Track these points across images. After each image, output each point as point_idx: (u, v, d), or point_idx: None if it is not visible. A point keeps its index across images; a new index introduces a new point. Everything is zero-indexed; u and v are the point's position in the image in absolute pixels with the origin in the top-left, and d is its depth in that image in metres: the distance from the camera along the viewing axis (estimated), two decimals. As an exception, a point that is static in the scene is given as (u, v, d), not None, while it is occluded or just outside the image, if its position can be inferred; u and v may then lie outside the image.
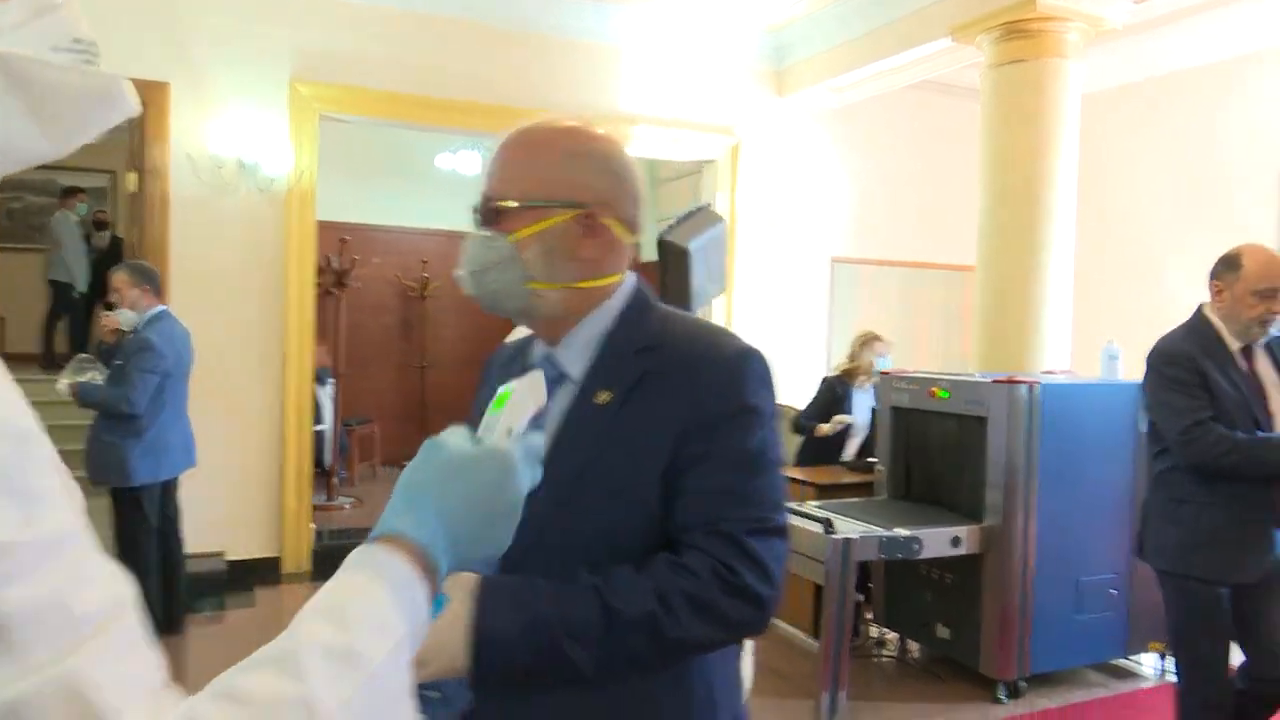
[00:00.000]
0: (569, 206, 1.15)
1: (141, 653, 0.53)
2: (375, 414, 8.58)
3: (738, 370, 1.14)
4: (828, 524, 3.62)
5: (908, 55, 5.81)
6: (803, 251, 7.03)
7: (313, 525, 5.75)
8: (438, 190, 8.67)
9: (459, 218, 1.48)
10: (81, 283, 8.62)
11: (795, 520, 3.85)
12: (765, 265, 6.86)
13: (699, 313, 4.45)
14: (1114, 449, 4.04)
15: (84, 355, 4.49)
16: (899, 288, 7.49)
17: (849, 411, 5.09)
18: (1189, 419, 2.65)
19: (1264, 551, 2.67)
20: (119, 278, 4.28)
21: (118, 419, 4.11)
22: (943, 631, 4.13)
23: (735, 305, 6.73)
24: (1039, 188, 4.85)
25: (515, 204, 1.15)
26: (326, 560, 5.49)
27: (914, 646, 4.49)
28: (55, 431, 0.60)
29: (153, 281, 4.34)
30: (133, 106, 0.65)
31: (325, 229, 5.96)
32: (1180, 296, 6.23)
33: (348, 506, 7.19)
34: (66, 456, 0.57)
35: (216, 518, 5.17)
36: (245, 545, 5.43)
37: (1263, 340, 2.77)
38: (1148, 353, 2.88)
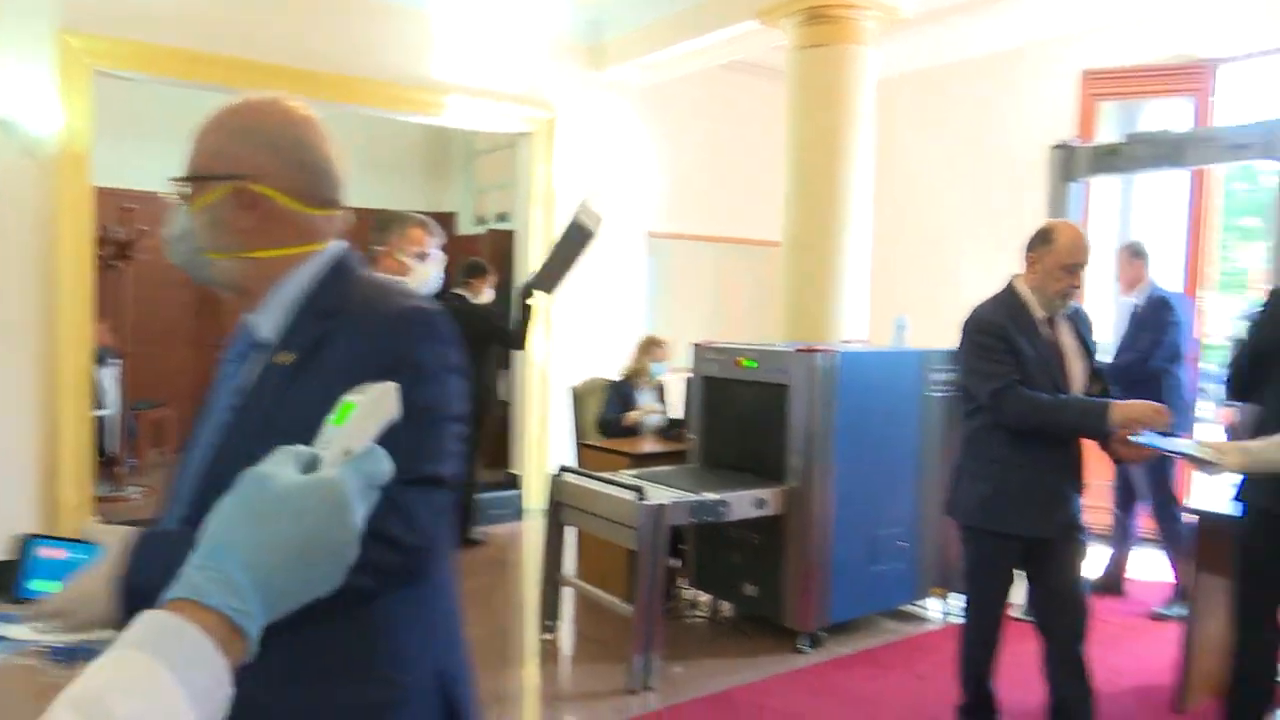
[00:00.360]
0: (227, 179, 1.20)
1: None
2: (169, 396, 8.01)
3: (401, 327, 1.18)
4: (640, 491, 3.69)
5: (717, 35, 5.97)
6: (620, 226, 7.11)
7: (97, 518, 5.33)
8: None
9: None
10: None
11: (609, 489, 3.92)
12: (582, 239, 6.89)
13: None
14: (903, 412, 4.33)
15: None
16: (713, 262, 7.71)
17: (631, 408, 5.30)
18: (997, 382, 2.85)
19: (1063, 508, 2.89)
20: None
21: None
22: (750, 590, 4.31)
23: (552, 279, 6.72)
24: (839, 168, 5.11)
25: (185, 177, 1.23)
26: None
27: (725, 606, 4.68)
28: None
29: None
30: None
31: (106, 196, 5.50)
32: (965, 271, 6.78)
33: (137, 496, 6.71)
34: None
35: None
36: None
37: (1065, 311, 2.96)
38: (963, 321, 3.04)
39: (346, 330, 1.17)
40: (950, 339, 4.75)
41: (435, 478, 1.15)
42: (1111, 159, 4.10)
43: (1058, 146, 4.29)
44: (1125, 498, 4.77)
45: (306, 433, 0.80)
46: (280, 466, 0.70)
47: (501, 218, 7.93)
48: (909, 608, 4.63)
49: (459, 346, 1.24)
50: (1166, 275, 5.51)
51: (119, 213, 6.51)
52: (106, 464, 6.55)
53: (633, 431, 5.21)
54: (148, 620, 0.61)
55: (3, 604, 1.11)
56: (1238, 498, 3.05)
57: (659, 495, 3.79)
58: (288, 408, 1.14)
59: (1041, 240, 2.92)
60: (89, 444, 5.24)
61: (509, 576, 5.45)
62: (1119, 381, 3.97)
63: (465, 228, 8.62)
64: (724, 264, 7.76)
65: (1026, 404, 2.81)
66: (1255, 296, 5.04)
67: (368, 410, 0.76)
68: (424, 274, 2.89)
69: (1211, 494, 3.56)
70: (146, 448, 7.63)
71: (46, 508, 5.05)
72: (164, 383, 8.02)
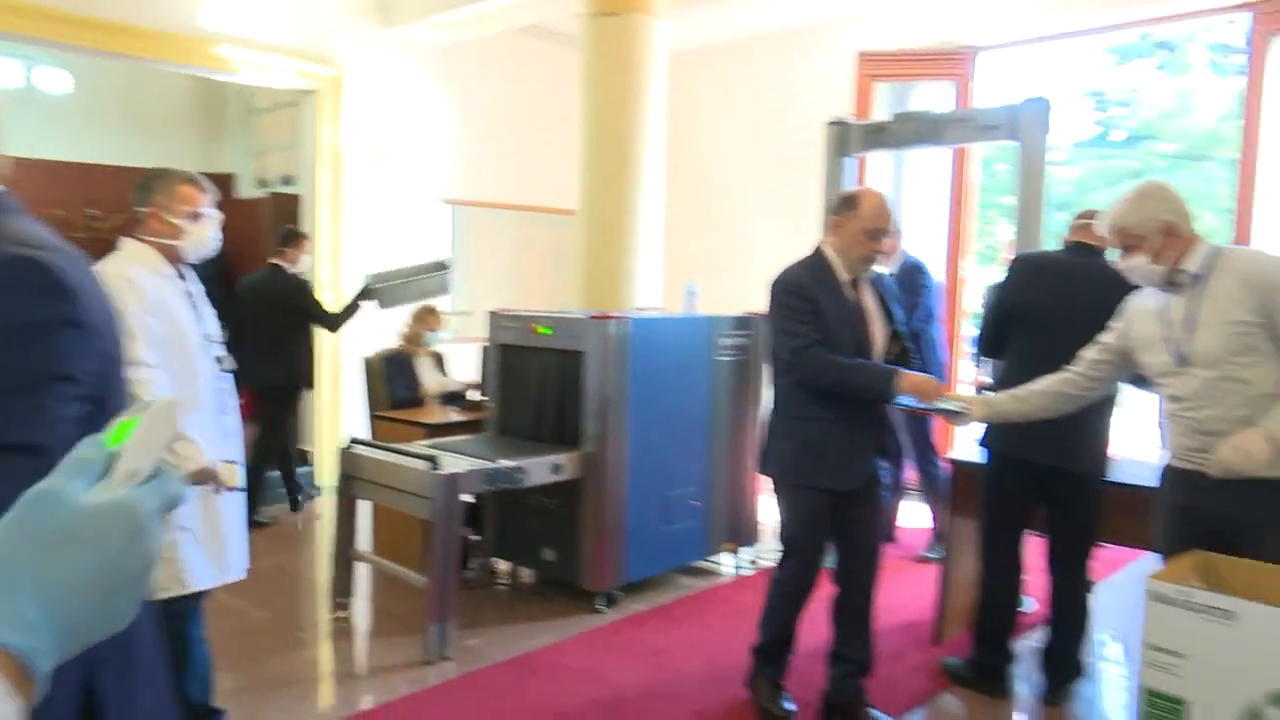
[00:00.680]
0: None
1: None
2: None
3: (2, 277, 1.04)
4: (433, 461, 3.64)
5: (509, -3, 5.89)
6: (415, 192, 6.92)
7: None
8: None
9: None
10: None
11: (401, 460, 3.84)
12: (377, 204, 6.66)
13: None
14: (694, 376, 4.49)
15: None
16: (514, 231, 7.65)
17: (416, 380, 5.19)
18: (799, 342, 2.96)
19: (864, 463, 3.01)
20: None
21: None
22: (549, 555, 4.36)
23: (345, 245, 6.48)
24: (632, 137, 5.19)
25: None
26: None
27: (526, 573, 4.71)
28: None
29: None
30: None
31: None
32: (753, 239, 7.08)
33: None
34: None
35: None
36: None
37: (869, 275, 3.08)
38: (770, 282, 3.11)
39: None
40: (739, 305, 5.00)
41: (25, 445, 1.00)
42: (881, 136, 4.39)
43: (833, 123, 4.54)
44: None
45: None
46: (66, 485, 0.63)
47: (286, 181, 7.52)
48: (702, 563, 4.83)
49: (78, 298, 1.07)
50: (932, 247, 5.97)
51: None
52: None
53: (420, 402, 5.14)
54: None
55: None
56: (982, 443, 3.38)
57: (453, 464, 3.76)
58: None
59: (846, 205, 3.01)
60: None
61: (300, 555, 5.24)
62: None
63: (245, 190, 8.11)
64: (525, 232, 7.72)
65: (823, 364, 2.92)
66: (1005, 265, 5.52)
67: (150, 427, 0.69)
68: (200, 236, 2.65)
69: (966, 446, 3.91)
70: None
71: None
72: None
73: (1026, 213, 3.92)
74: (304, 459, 6.54)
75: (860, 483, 3.01)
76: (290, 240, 5.56)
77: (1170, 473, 2.64)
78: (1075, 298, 3.18)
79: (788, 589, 3.10)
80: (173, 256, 2.63)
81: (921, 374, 2.91)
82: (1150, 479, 2.81)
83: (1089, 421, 3.07)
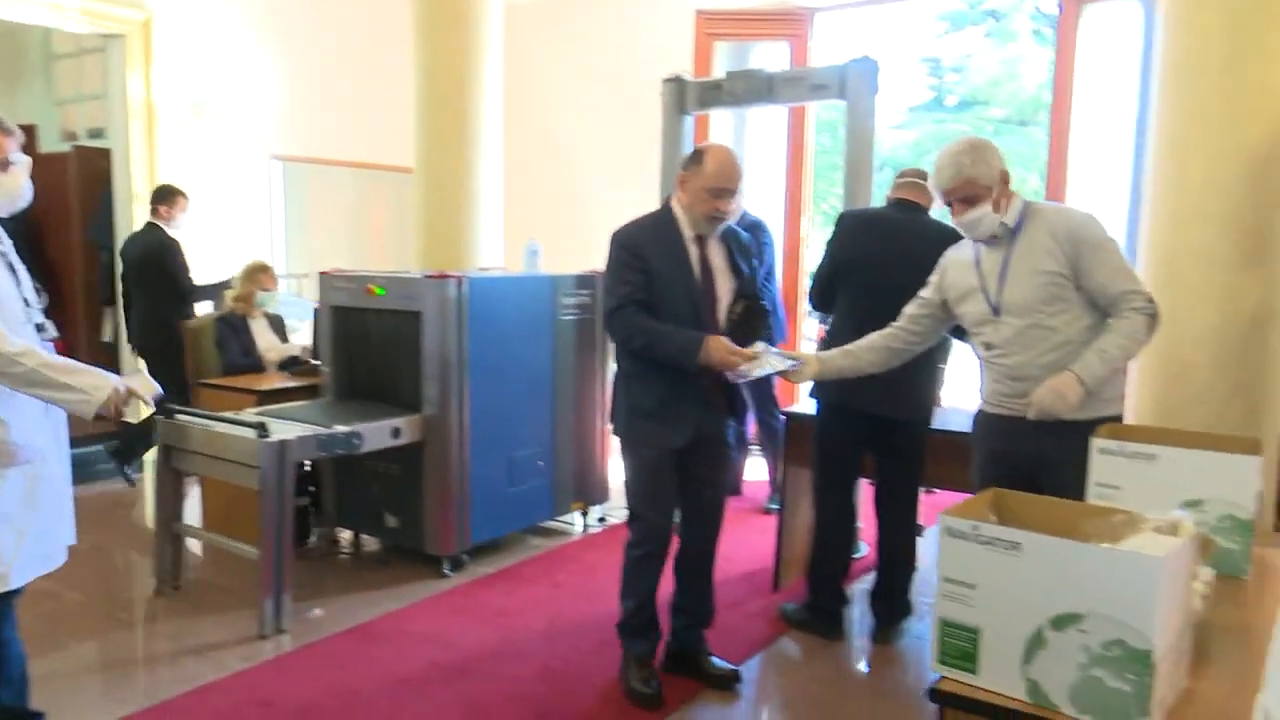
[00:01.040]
0: None
1: None
2: None
3: None
4: (261, 428, 3.48)
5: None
6: (239, 148, 6.53)
7: None
8: None
9: None
10: None
11: (227, 428, 3.66)
12: (196, 161, 6.25)
13: None
14: (537, 336, 4.44)
15: None
16: (352, 189, 7.34)
17: (252, 344, 4.91)
18: (613, 302, 2.91)
19: (692, 420, 2.93)
20: None
21: None
22: (391, 521, 4.26)
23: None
24: (468, 92, 5.06)
25: None
26: None
27: (369, 540, 4.59)
28: None
29: None
30: None
31: None
32: (596, 197, 7.03)
33: None
34: None
35: None
36: None
37: (718, 231, 2.97)
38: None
39: None
40: (583, 263, 4.97)
41: None
42: (716, 94, 4.42)
43: (669, 80, 4.54)
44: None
45: None
46: None
47: (95, 134, 6.97)
48: (552, 523, 4.83)
49: None
50: (772, 205, 6.10)
51: None
52: None
53: (260, 368, 4.88)
54: None
55: None
56: (812, 394, 3.50)
57: (284, 431, 3.60)
58: None
59: (693, 161, 2.93)
60: None
61: (124, 533, 4.93)
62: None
63: (49, 144, 7.44)
64: (364, 191, 7.42)
65: (632, 328, 2.87)
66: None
67: None
68: (12, 186, 2.38)
69: (803, 399, 4.04)
70: None
71: None
72: None
73: (855, 171, 4.04)
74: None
75: (688, 440, 2.94)
76: (162, 198, 5.37)
77: (984, 418, 2.78)
78: (899, 252, 3.30)
79: (638, 552, 3.04)
80: None
81: (726, 344, 2.80)
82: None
83: (914, 372, 3.16)
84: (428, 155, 5.12)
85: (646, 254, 2.90)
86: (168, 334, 5.14)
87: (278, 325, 5.10)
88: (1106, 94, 5.32)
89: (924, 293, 2.87)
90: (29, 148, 2.55)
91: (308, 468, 4.45)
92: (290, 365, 4.88)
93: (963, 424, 3.37)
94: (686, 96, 4.52)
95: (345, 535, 4.67)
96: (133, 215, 5.95)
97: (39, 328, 2.43)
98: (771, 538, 4.13)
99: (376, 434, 3.89)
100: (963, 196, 2.61)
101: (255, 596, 3.59)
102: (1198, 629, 1.58)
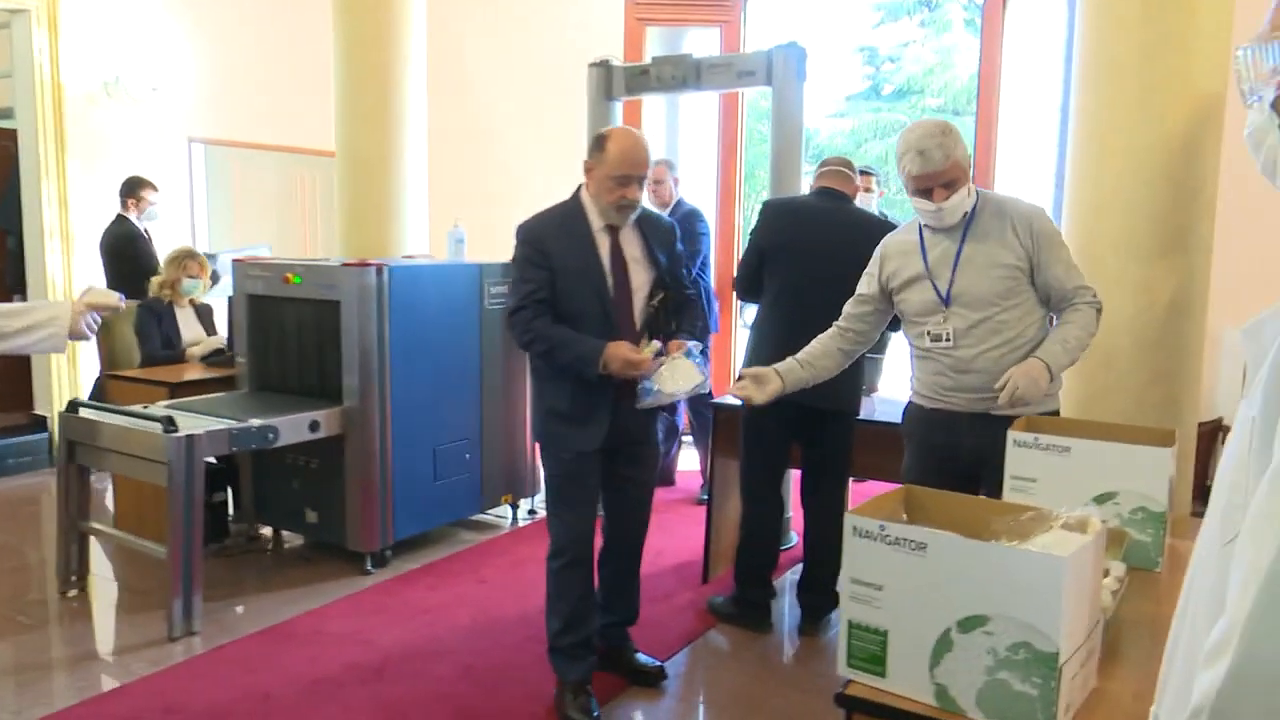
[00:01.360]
0: None
1: None
2: None
3: None
4: (168, 422, 3.33)
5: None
6: (155, 129, 6.27)
7: None
8: None
9: None
10: None
11: (132, 423, 3.50)
12: (109, 143, 5.99)
13: None
14: (462, 325, 4.34)
15: None
16: (278, 174, 7.11)
17: (176, 335, 4.70)
18: (515, 300, 2.76)
19: (602, 423, 2.78)
20: None
21: None
22: (312, 516, 4.14)
23: (72, 189, 5.80)
24: (390, 73, 4.91)
25: None
26: None
27: (289, 537, 4.45)
28: None
29: None
30: None
31: None
32: (524, 183, 6.86)
33: None
34: None
35: None
36: None
37: (631, 220, 2.79)
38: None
39: None
40: (509, 251, 4.85)
41: None
42: (644, 79, 4.34)
43: (595, 64, 4.45)
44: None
45: None
46: None
47: (2, 114, 6.63)
48: (480, 517, 4.74)
49: None
50: (702, 192, 6.05)
51: None
52: None
53: (179, 360, 4.68)
54: None
55: None
56: (739, 385, 3.45)
57: (193, 425, 3.46)
58: None
59: (596, 147, 2.77)
60: None
61: (29, 532, 4.72)
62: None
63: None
64: (288, 176, 7.19)
65: (533, 332, 2.72)
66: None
67: None
68: None
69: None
70: None
71: None
72: None
73: (782, 159, 4.00)
74: (40, 424, 5.89)
75: (606, 441, 2.80)
76: (130, 189, 5.46)
77: (919, 411, 2.69)
78: (824, 241, 3.27)
79: (558, 564, 2.87)
80: None
81: (625, 351, 2.65)
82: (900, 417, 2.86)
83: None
84: (349, 139, 4.96)
85: (550, 249, 2.73)
86: None
87: (206, 315, 4.88)
88: (1033, 83, 5.37)
89: (863, 288, 2.74)
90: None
91: (215, 463, 4.28)
92: (214, 358, 4.66)
93: (890, 414, 3.31)
94: (613, 81, 4.43)
95: (266, 532, 4.52)
96: (41, 199, 5.69)
97: None
98: (703, 529, 4.09)
99: (293, 427, 3.76)
100: (947, 180, 2.48)
101: (165, 598, 3.45)
102: (1109, 625, 1.57)
